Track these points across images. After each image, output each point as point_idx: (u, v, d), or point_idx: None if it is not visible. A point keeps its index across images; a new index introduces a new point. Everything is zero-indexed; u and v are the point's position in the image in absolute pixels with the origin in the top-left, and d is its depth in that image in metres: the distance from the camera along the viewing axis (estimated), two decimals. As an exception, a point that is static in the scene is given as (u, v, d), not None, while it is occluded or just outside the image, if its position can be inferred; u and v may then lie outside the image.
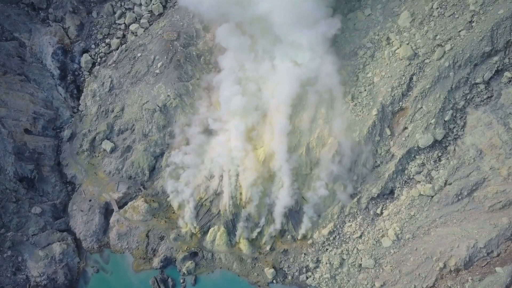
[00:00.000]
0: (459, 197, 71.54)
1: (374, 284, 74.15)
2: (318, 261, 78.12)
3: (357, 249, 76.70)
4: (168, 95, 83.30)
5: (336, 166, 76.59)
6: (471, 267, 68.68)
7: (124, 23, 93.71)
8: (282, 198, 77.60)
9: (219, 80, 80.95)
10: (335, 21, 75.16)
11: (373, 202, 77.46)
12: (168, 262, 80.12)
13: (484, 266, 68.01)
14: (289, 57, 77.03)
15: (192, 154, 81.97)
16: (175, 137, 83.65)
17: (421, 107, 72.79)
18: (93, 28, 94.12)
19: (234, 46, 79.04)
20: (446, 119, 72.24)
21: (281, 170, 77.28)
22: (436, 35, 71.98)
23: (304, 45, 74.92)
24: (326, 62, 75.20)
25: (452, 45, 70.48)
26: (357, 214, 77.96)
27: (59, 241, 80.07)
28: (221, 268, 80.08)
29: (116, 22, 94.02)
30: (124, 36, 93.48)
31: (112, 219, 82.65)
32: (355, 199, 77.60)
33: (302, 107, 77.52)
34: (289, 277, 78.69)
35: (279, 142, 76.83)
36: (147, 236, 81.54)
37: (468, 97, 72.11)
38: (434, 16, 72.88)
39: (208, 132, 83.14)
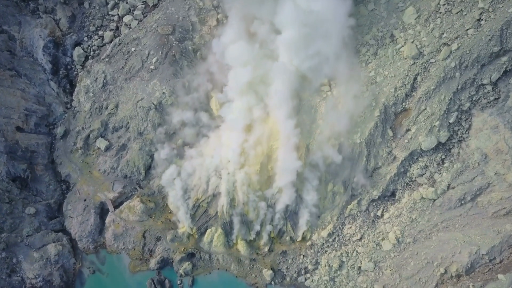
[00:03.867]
0: (462, 202, 69.82)
1: (373, 287, 73.23)
2: (317, 263, 77.00)
3: (357, 251, 75.50)
4: (164, 92, 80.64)
5: (336, 168, 74.71)
6: (473, 273, 67.43)
7: (118, 14, 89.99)
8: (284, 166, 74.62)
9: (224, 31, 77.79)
10: None
11: (374, 204, 75.82)
12: (165, 263, 79.03)
13: (486, 272, 66.75)
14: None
15: (193, 111, 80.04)
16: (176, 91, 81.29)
17: (425, 109, 70.22)
18: (85, 20, 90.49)
19: None
20: (450, 121, 69.74)
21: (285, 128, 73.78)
22: (443, 33, 68.75)
23: None
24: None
25: (459, 44, 67.31)
26: (357, 216, 76.40)
27: (54, 242, 78.82)
28: (218, 269, 79.02)
29: (109, 13, 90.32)
30: (117, 28, 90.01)
31: (108, 219, 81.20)
32: (355, 201, 75.93)
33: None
34: (288, 279, 77.76)
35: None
36: (144, 236, 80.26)
37: (474, 99, 69.39)
38: (440, 12, 69.49)
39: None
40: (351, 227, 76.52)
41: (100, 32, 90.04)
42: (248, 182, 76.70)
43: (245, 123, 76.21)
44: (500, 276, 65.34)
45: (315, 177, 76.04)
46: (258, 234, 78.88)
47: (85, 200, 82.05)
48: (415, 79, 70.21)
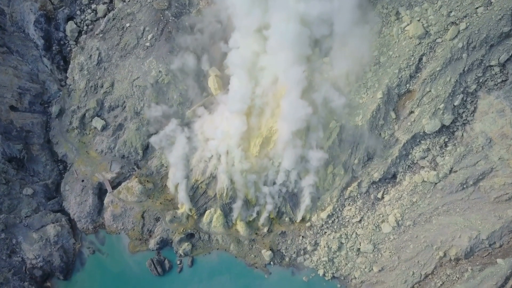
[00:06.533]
0: (464, 186, 68.89)
1: (372, 269, 73.63)
2: (316, 244, 77.02)
3: (356, 233, 75.33)
4: (160, 71, 78.17)
5: (336, 150, 73.39)
6: (472, 257, 67.50)
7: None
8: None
9: None
10: None
11: (374, 186, 75.00)
12: (164, 243, 79.08)
13: (485, 256, 66.77)
14: None
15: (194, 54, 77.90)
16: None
17: (430, 91, 68.04)
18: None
19: None
20: (455, 103, 67.75)
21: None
22: (451, 12, 65.54)
23: None
24: None
25: (468, 23, 64.32)
26: (357, 198, 75.72)
27: (53, 223, 78.63)
28: (218, 249, 79.17)
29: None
30: (111, 1, 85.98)
31: (106, 199, 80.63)
32: (356, 183, 75.05)
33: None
34: (287, 259, 78.06)
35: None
36: (143, 217, 79.95)
37: (480, 80, 67.09)
38: (449, -11, 66.07)
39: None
40: (351, 209, 76.00)
41: (93, 6, 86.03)
42: (248, 137, 74.86)
43: (250, 72, 72.41)
44: (499, 260, 65.41)
45: (319, 123, 72.40)
46: (258, 215, 78.55)
47: (82, 181, 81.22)
48: (420, 59, 67.63)
